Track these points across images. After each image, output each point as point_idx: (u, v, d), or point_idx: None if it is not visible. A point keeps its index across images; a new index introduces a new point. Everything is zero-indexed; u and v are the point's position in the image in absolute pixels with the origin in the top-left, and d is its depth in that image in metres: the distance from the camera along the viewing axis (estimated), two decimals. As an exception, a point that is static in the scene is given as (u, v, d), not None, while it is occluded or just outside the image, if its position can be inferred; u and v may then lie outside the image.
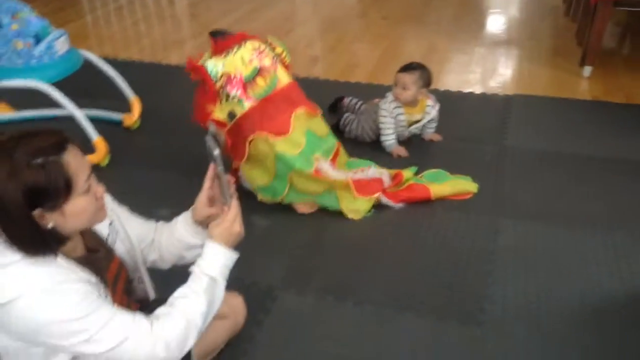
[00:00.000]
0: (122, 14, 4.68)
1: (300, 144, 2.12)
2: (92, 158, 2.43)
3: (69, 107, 2.37)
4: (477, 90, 3.23)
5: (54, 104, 2.41)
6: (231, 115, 2.07)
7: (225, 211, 1.26)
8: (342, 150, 2.34)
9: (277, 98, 2.11)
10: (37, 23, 2.47)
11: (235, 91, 2.05)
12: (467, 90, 3.22)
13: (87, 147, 2.44)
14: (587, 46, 3.22)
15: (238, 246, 1.29)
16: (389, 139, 2.55)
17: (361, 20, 4.47)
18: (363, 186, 2.21)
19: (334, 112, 2.88)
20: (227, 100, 2.06)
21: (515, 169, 2.49)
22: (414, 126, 2.60)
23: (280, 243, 2.09)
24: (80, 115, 2.39)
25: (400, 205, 2.25)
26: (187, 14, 4.79)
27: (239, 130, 2.09)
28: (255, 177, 2.17)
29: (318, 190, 2.18)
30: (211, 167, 1.28)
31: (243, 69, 2.06)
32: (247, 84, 2.06)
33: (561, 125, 2.82)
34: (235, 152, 2.13)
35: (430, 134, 2.68)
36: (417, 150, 2.60)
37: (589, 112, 2.93)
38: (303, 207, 2.23)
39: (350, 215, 2.19)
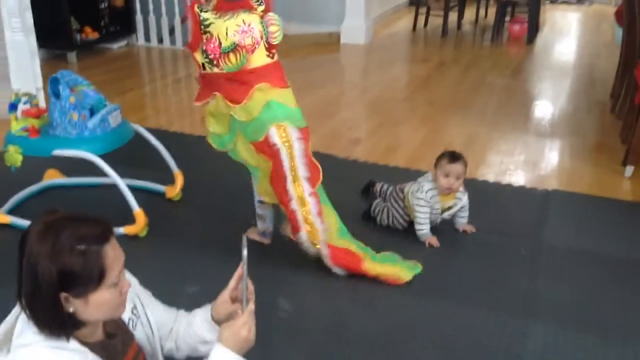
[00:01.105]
0: (179, 87, 4.92)
1: (253, 113, 2.20)
2: (132, 229, 2.51)
3: (114, 178, 2.48)
4: (516, 182, 3.21)
5: (100, 172, 2.52)
6: (203, 66, 2.23)
7: (239, 314, 1.28)
8: None
9: (244, 74, 2.20)
10: (93, 96, 2.62)
11: (210, 54, 2.18)
12: (505, 181, 3.21)
13: (128, 217, 2.54)
14: (631, 145, 3.19)
15: (249, 346, 1.29)
16: (424, 229, 2.55)
17: (407, 104, 4.56)
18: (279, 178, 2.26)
19: (365, 196, 2.92)
20: (203, 55, 2.20)
21: (551, 267, 2.45)
22: (446, 213, 2.61)
23: (303, 329, 2.09)
24: (124, 186, 2.49)
25: (339, 270, 2.30)
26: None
27: (204, 82, 2.29)
28: (211, 123, 2.33)
29: (250, 162, 2.31)
30: (240, 266, 1.31)
31: (223, 39, 2.15)
32: (221, 54, 2.16)
33: (601, 225, 2.76)
34: (199, 94, 2.32)
35: (463, 224, 2.67)
36: (449, 240, 2.59)
37: (630, 214, 2.87)
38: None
39: (262, 196, 2.39)
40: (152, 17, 5.80)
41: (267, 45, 2.22)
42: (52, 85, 2.56)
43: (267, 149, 2.23)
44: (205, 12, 2.16)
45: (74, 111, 2.51)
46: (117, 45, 5.79)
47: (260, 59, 2.21)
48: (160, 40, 5.92)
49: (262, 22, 2.21)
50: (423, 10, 7.08)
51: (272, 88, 2.23)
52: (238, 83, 2.20)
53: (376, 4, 6.87)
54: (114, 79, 4.90)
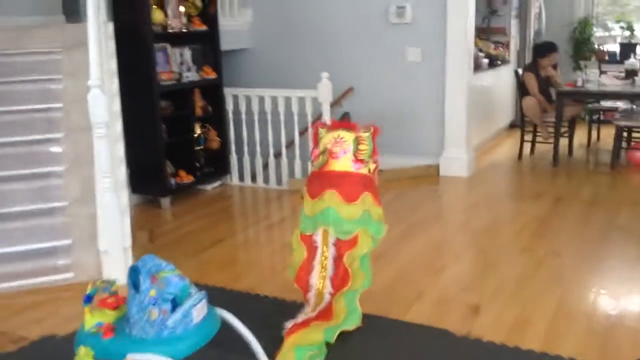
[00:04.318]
0: (272, 235, 4.62)
1: (315, 211, 2.75)
2: None
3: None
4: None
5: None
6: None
7: None
8: (363, 244, 2.74)
9: (323, 176, 2.77)
10: (177, 283, 2.27)
11: (312, 156, 2.90)
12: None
13: None
14: None
15: None
16: None
17: (527, 256, 3.96)
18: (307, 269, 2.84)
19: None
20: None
21: None
22: None
23: None
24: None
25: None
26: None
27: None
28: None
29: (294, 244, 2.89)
30: None
31: (322, 145, 2.79)
32: (317, 154, 2.83)
33: None
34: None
35: None
36: None
37: None
38: None
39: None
40: (246, 158, 5.69)
41: (354, 158, 2.71)
42: (132, 276, 2.24)
43: (308, 242, 2.78)
44: (323, 129, 2.86)
45: (154, 307, 2.16)
46: (211, 186, 5.65)
47: (343, 166, 2.73)
48: (253, 179, 5.76)
49: (355, 140, 2.73)
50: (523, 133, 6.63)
51: (339, 198, 2.69)
52: (318, 182, 2.76)
53: (476, 132, 6.48)
54: (207, 226, 4.68)
